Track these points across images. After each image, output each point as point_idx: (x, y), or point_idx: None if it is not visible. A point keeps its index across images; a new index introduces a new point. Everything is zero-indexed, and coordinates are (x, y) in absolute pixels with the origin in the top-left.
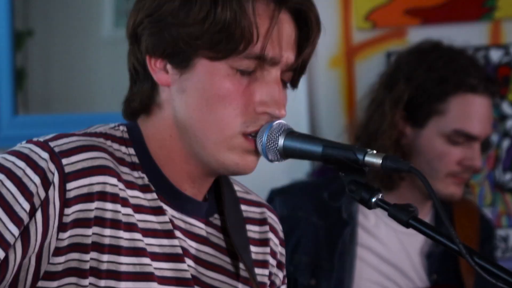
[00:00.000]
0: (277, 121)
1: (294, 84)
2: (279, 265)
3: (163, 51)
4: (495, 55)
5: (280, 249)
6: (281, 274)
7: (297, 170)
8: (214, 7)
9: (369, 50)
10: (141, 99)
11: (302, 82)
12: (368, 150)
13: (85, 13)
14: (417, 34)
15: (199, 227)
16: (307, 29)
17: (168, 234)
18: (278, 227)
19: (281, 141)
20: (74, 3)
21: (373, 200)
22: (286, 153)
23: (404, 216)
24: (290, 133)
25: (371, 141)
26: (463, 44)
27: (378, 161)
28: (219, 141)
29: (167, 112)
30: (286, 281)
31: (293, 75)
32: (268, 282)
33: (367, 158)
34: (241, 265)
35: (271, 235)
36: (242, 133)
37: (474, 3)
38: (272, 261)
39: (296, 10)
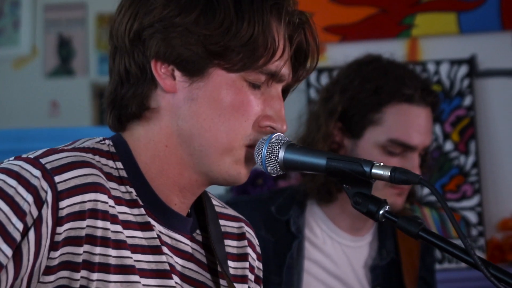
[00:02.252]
0: (276, 134)
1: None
2: (257, 280)
3: (175, 57)
4: None
5: (257, 264)
6: None
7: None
8: (239, 20)
9: None
10: (139, 103)
11: None
12: (375, 162)
13: None
14: (336, 51)
15: (185, 243)
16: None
17: (156, 250)
18: (255, 241)
19: (281, 154)
20: None
21: (381, 212)
22: (286, 166)
23: (414, 228)
24: (290, 145)
25: None
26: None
27: (387, 173)
28: (225, 151)
29: (167, 119)
30: None
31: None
32: None
33: (375, 170)
34: (221, 282)
35: (249, 250)
36: (246, 145)
37: (392, 21)
38: (250, 276)
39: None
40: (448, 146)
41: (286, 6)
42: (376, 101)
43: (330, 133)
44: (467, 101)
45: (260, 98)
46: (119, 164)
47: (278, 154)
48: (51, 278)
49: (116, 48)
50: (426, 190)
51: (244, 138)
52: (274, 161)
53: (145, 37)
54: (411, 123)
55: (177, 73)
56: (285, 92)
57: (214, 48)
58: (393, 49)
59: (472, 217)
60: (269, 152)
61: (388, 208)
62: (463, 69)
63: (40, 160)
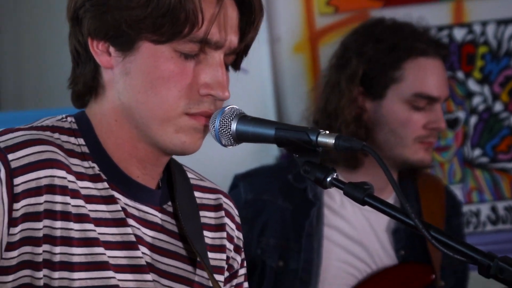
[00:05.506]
0: (229, 106)
1: (236, 67)
2: (237, 249)
3: (105, 33)
4: (459, 34)
5: (237, 234)
6: (239, 258)
7: (265, 155)
8: None
9: (332, 35)
10: (84, 82)
11: (268, 67)
12: (321, 130)
13: (52, 10)
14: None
15: (154, 214)
16: (250, 13)
17: (120, 223)
18: (234, 212)
19: (233, 126)
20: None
21: (328, 179)
22: (239, 138)
23: (359, 194)
24: (243, 117)
25: (331, 121)
26: (426, 24)
27: (331, 141)
28: (164, 122)
29: (110, 95)
30: (245, 264)
31: (235, 58)
32: (226, 266)
33: (320, 139)
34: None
35: (227, 220)
36: (185, 113)
37: None
38: (229, 246)
39: None
40: (498, 107)
41: None
42: (394, 59)
43: (354, 98)
44: None
45: (196, 66)
46: (81, 141)
47: (231, 126)
48: (14, 253)
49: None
50: (477, 152)
51: (180, 107)
52: (227, 133)
53: (81, 16)
54: (432, 76)
55: (111, 49)
56: (238, 57)
57: (138, 21)
58: (437, 12)
59: None
60: (222, 125)
61: (336, 175)
62: (510, 29)
63: None
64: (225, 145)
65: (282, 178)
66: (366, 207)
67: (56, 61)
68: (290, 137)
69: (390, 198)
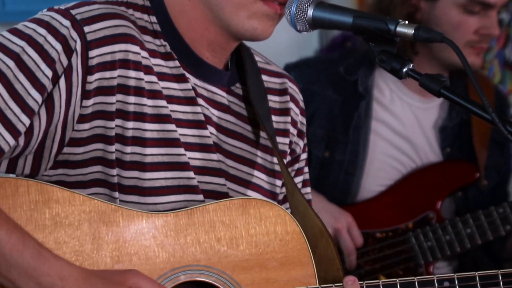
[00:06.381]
0: None
1: None
2: (300, 134)
3: None
4: None
5: (300, 119)
6: (301, 143)
7: (305, 47)
8: None
9: None
10: None
11: None
12: (400, 20)
13: None
14: None
15: (221, 95)
16: None
17: (191, 101)
18: (299, 97)
19: (310, 12)
20: None
21: (404, 70)
22: (315, 24)
23: (435, 85)
24: (320, 3)
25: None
26: None
27: (410, 31)
28: (238, 7)
29: None
30: (306, 149)
31: None
32: (288, 150)
33: (399, 29)
34: (262, 134)
35: (291, 105)
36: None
37: None
38: (292, 130)
39: None
40: None
41: None
42: None
43: None
44: None
45: None
46: (153, 18)
47: (307, 12)
48: (86, 126)
49: None
50: None
51: None
52: (303, 19)
53: None
54: None
55: None
56: None
57: None
58: None
59: None
60: (298, 10)
61: (412, 66)
62: None
63: (71, 11)
64: (299, 31)
65: (332, 70)
66: (416, 103)
67: None
68: (368, 26)
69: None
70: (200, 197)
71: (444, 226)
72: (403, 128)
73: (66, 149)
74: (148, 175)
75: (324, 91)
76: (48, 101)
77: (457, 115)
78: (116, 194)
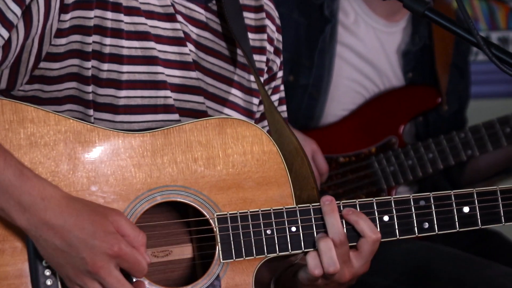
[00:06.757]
0: None
1: None
2: (276, 52)
3: None
4: None
5: (277, 36)
6: (278, 60)
7: None
8: None
9: None
10: None
11: None
12: None
13: None
14: None
15: (199, 12)
16: None
17: (170, 18)
18: (275, 14)
19: None
20: None
21: None
22: None
23: (420, 7)
24: None
25: None
26: None
27: None
28: None
29: None
30: (282, 67)
31: None
32: (265, 68)
33: None
34: (239, 51)
35: (267, 22)
36: None
37: None
38: (269, 48)
39: None
40: None
41: None
42: None
43: None
44: None
45: None
46: None
47: None
48: (63, 41)
49: None
50: None
51: None
52: None
53: None
54: None
55: None
56: None
57: None
58: None
59: None
60: None
61: None
62: None
63: None
64: None
65: None
66: (380, 27)
67: None
68: None
69: (402, 20)
70: (176, 116)
71: (407, 151)
72: (367, 51)
73: (42, 64)
74: (124, 93)
75: (290, 14)
76: (26, 14)
77: (420, 40)
78: (91, 112)
